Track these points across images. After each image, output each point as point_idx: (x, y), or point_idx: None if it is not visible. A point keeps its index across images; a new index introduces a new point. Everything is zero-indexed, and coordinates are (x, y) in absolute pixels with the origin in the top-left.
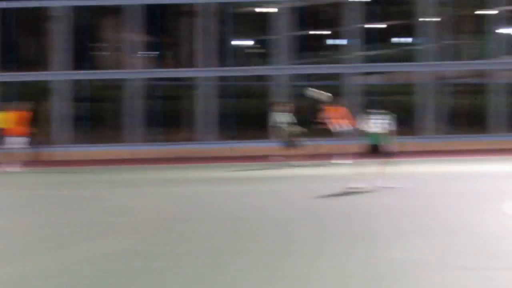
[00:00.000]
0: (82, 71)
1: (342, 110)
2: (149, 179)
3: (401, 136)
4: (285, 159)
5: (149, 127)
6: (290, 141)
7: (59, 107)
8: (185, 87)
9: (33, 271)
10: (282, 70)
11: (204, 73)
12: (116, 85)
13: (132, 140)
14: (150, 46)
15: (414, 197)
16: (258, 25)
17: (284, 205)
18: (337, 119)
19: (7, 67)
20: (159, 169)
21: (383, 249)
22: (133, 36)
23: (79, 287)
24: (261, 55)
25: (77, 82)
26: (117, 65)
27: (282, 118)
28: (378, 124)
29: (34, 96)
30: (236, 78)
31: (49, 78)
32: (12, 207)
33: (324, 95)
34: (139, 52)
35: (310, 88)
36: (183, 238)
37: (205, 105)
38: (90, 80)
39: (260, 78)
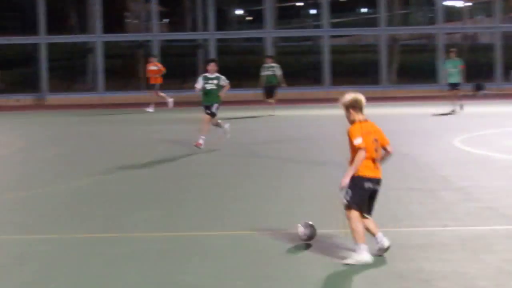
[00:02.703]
0: (113, 34)
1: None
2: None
3: (363, 85)
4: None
5: (165, 79)
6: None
7: (95, 62)
8: (191, 47)
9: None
10: (267, 33)
11: (205, 36)
12: (138, 45)
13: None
14: (163, 14)
15: None
16: None
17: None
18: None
19: (54, 31)
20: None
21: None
22: (151, 6)
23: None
24: (251, 21)
25: (108, 43)
26: (139, 30)
27: (266, 70)
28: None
29: (77, 54)
30: (232, 39)
31: (87, 39)
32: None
33: None
34: (155, 19)
35: None
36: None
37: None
38: (119, 42)
39: (250, 39)
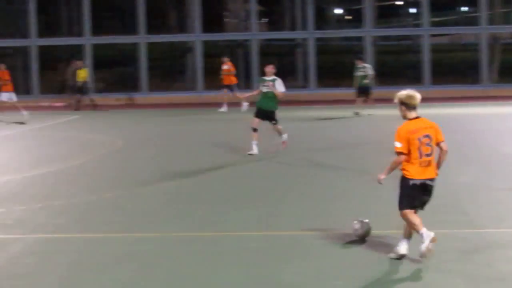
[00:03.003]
0: (211, 34)
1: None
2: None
3: (463, 84)
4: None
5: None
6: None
7: (194, 62)
8: (290, 46)
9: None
10: (367, 32)
11: (304, 35)
12: (236, 45)
13: (247, 87)
14: (262, 14)
15: (468, 134)
16: None
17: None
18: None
19: (153, 30)
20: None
21: (452, 175)
22: (249, 5)
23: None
24: (350, 20)
25: (207, 42)
26: (238, 29)
27: (359, 70)
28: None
29: (176, 53)
30: (330, 38)
31: (186, 39)
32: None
33: None
34: (254, 18)
35: None
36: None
37: (306, 60)
38: (217, 41)
39: (349, 38)
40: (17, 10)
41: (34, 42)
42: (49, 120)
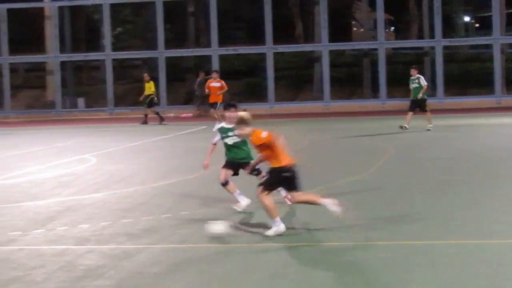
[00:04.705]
0: (338, 43)
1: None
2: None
3: None
4: None
5: (389, 86)
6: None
7: (321, 71)
8: (417, 55)
9: None
10: (495, 39)
11: (432, 43)
12: (363, 54)
13: (376, 96)
14: (389, 22)
15: None
16: (476, 4)
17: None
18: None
19: (281, 41)
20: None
21: None
22: (377, 14)
23: None
24: (477, 28)
25: (333, 52)
26: (363, 38)
27: (412, 82)
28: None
29: (303, 63)
30: (458, 46)
31: (313, 48)
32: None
33: None
34: (381, 27)
35: None
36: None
37: (433, 68)
38: (344, 50)
39: (476, 46)
40: (144, 22)
41: (161, 53)
42: (176, 131)
